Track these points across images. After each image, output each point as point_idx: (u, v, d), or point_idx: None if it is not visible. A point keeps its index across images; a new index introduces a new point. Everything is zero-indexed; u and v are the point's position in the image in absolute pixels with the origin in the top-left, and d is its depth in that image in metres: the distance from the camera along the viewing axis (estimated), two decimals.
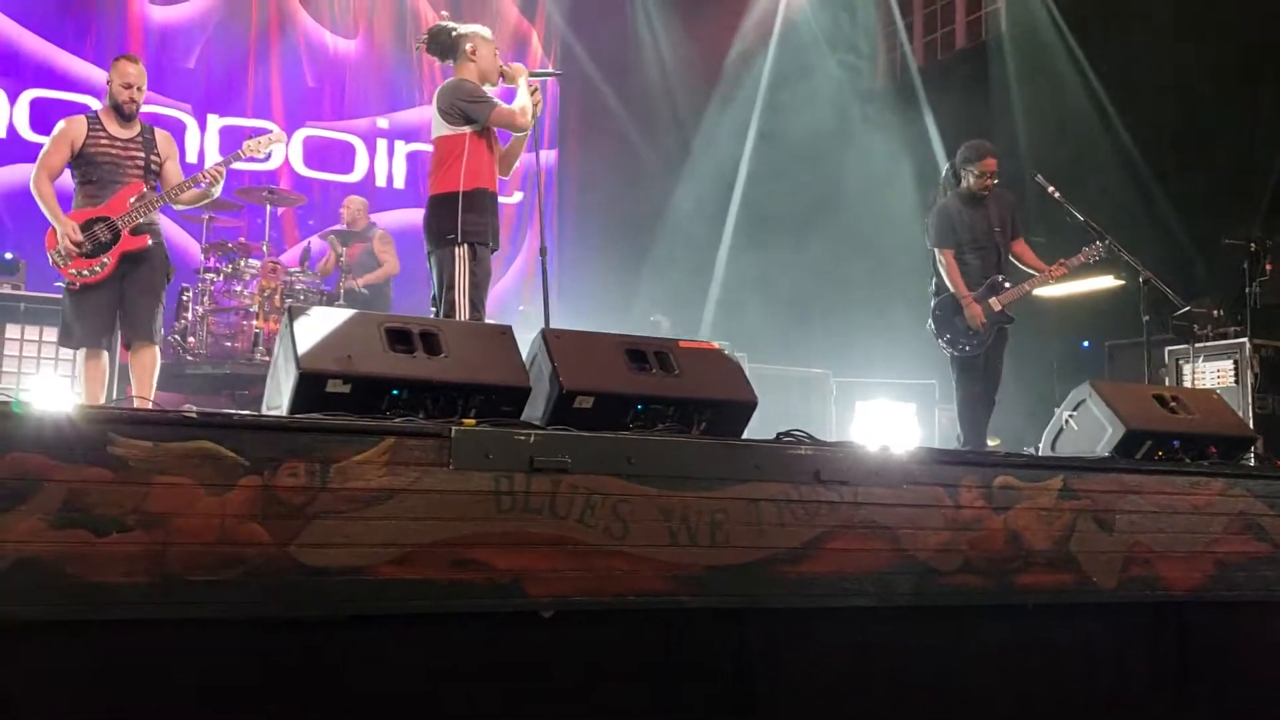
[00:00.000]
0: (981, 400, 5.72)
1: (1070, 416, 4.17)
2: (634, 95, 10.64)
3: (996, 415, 5.87)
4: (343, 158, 9.75)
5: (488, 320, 4.63)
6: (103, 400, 4.96)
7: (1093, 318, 8.10)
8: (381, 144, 9.91)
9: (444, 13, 4.79)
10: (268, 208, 7.61)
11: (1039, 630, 3.39)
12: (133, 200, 4.98)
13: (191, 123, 9.06)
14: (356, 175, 9.75)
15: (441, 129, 4.69)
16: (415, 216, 9.78)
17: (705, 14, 10.74)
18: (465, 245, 4.55)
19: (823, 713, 3.10)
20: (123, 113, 5.08)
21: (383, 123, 9.92)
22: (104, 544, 2.31)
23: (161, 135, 5.27)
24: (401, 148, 10.00)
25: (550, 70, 4.41)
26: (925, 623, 3.24)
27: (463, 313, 4.50)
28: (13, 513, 2.25)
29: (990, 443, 6.20)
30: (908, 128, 9.48)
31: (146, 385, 4.97)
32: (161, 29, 9.18)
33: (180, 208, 5.45)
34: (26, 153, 8.27)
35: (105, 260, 4.92)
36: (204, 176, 5.14)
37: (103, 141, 5.03)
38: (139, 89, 5.11)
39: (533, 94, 4.68)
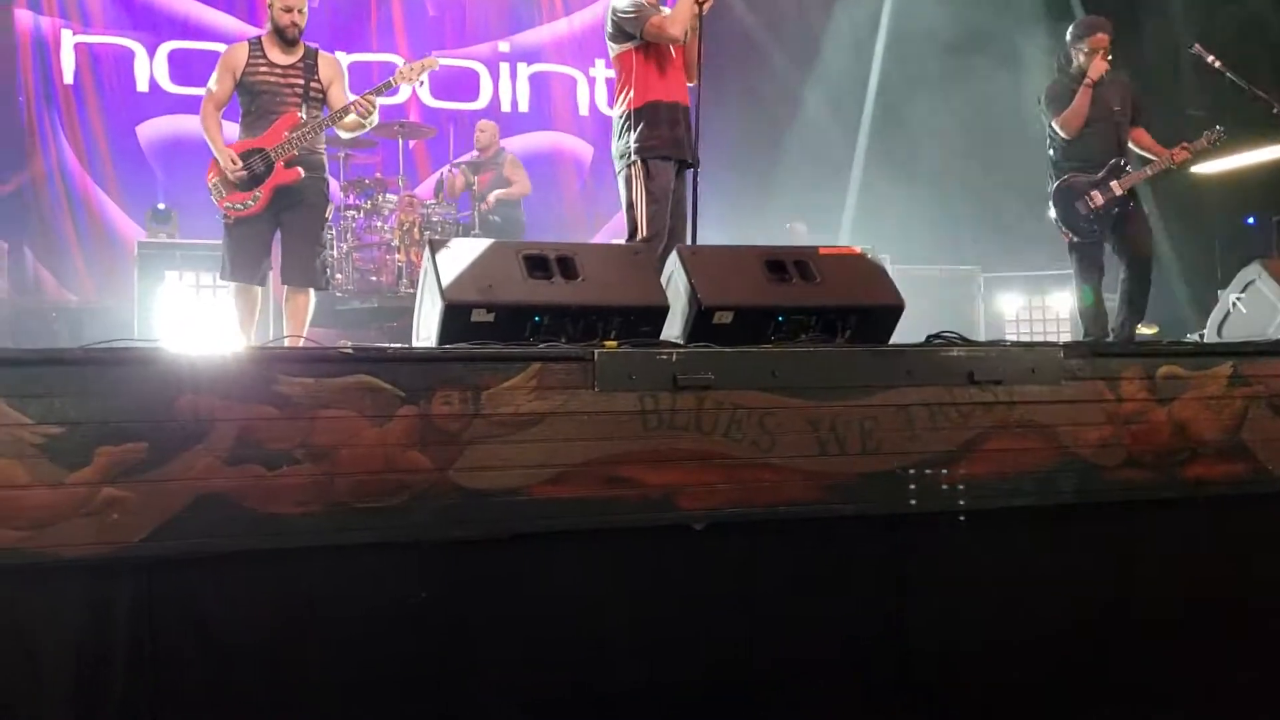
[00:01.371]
0: (1129, 281, 5.44)
1: (1238, 299, 3.97)
2: None
3: (1156, 301, 5.58)
4: (467, 85, 9.77)
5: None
6: (252, 331, 5.05)
7: (1258, 191, 7.56)
8: (504, 68, 9.88)
9: None
10: (400, 141, 7.73)
11: (1213, 524, 3.25)
12: (288, 131, 4.89)
13: None
14: (482, 102, 9.77)
15: (613, 48, 4.77)
16: (541, 140, 9.89)
17: None
18: (639, 162, 4.58)
19: (982, 617, 3.06)
20: (285, 37, 4.95)
21: (504, 46, 9.88)
22: (276, 477, 2.43)
23: (325, 59, 5.11)
24: (524, 70, 9.96)
25: None
26: (1089, 521, 3.14)
27: (643, 231, 4.55)
28: (191, 451, 2.38)
29: (1147, 331, 5.92)
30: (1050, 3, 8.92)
31: (298, 328, 4.96)
32: None
33: (344, 135, 5.34)
34: (170, 105, 8.49)
35: (258, 194, 4.87)
36: (356, 106, 4.97)
37: (262, 69, 4.93)
38: (300, 11, 4.95)
39: None
